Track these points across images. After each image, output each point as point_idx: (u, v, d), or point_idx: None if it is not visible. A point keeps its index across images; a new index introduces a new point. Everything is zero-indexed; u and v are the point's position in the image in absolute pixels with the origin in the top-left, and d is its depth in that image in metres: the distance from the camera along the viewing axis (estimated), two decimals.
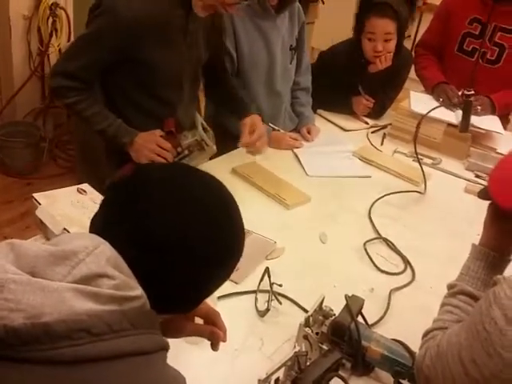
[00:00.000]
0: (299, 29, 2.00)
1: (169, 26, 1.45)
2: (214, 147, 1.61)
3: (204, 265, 0.70)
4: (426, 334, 0.90)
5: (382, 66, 2.13)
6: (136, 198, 0.69)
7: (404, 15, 2.10)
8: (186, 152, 1.57)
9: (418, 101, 2.15)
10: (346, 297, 1.09)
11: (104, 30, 1.40)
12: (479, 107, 2.00)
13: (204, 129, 1.60)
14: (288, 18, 1.93)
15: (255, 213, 1.52)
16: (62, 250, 0.59)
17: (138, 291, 0.61)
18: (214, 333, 0.85)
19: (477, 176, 1.91)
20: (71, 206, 1.30)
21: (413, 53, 2.43)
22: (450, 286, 0.96)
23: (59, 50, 3.01)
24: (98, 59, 1.45)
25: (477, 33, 2.16)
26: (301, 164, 1.88)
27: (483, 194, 0.95)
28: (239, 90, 1.77)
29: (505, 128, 2.19)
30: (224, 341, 0.86)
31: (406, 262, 1.42)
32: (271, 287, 1.20)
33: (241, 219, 0.75)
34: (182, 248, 0.67)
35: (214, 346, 0.86)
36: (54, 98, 2.93)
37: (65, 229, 1.22)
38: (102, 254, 0.60)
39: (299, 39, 2.01)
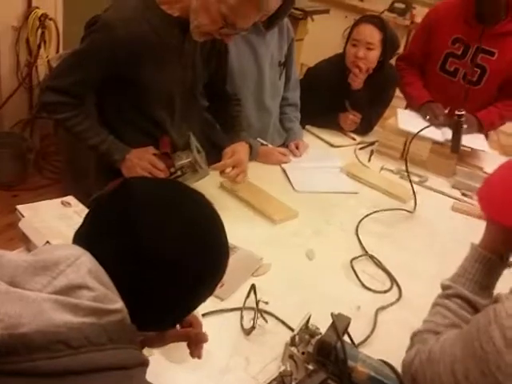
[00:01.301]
0: (288, 45, 2.02)
1: (164, 47, 1.44)
2: (208, 169, 1.60)
3: (190, 281, 0.70)
4: (415, 334, 0.89)
5: (356, 81, 2.16)
6: (123, 211, 0.69)
7: (392, 35, 2.15)
8: (179, 173, 1.55)
9: (405, 118, 2.16)
10: (333, 315, 1.07)
11: (99, 46, 1.39)
12: (465, 126, 2.02)
13: (197, 150, 1.59)
14: (277, 34, 1.95)
15: (242, 228, 1.51)
16: (43, 261, 0.59)
17: (118, 305, 0.61)
18: (198, 334, 0.85)
19: (463, 194, 1.92)
20: (55, 219, 1.28)
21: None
22: (445, 287, 0.94)
23: (48, 61, 3.00)
24: (91, 75, 1.44)
25: (459, 53, 2.18)
26: (288, 179, 1.87)
27: None
28: (237, 115, 1.76)
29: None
30: (206, 341, 0.87)
31: (393, 280, 1.41)
32: (257, 305, 1.18)
33: (226, 236, 0.76)
34: (170, 263, 0.67)
35: (198, 352, 0.86)
36: (45, 113, 2.91)
37: (48, 242, 1.19)
38: (83, 265, 0.60)
39: (288, 55, 2.03)
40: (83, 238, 0.69)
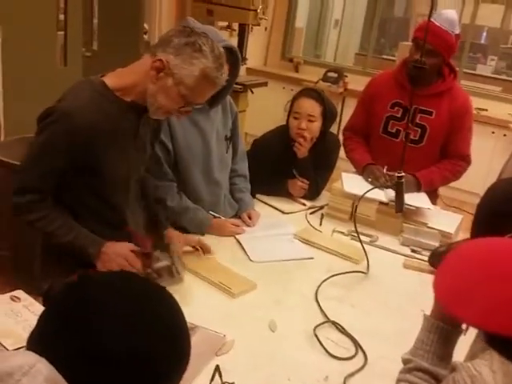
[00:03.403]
0: (232, 120, 2.09)
1: (120, 131, 1.47)
2: (183, 277, 1.58)
3: (156, 377, 0.67)
4: None
5: (301, 149, 2.26)
6: (82, 310, 0.67)
7: (331, 107, 2.29)
8: (155, 275, 1.52)
9: (349, 181, 2.25)
10: None
11: (59, 136, 1.38)
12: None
13: (177, 255, 1.58)
14: (221, 110, 2.02)
15: (200, 305, 1.49)
16: None
17: None
18: None
19: (413, 251, 1.98)
20: (4, 316, 1.22)
21: (340, 136, 2.58)
22: (405, 361, 0.95)
23: None
24: (54, 166, 1.43)
25: (399, 115, 2.33)
26: (244, 250, 1.88)
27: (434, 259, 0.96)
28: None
29: (434, 203, 2.31)
30: None
31: (357, 345, 1.41)
32: None
33: (186, 323, 0.75)
34: (135, 361, 0.65)
35: None
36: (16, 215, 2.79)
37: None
38: (39, 373, 0.57)
39: (233, 129, 2.10)
40: (37, 341, 0.66)
